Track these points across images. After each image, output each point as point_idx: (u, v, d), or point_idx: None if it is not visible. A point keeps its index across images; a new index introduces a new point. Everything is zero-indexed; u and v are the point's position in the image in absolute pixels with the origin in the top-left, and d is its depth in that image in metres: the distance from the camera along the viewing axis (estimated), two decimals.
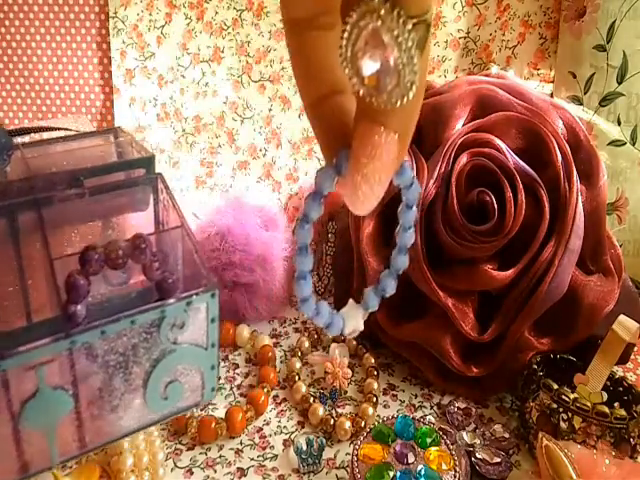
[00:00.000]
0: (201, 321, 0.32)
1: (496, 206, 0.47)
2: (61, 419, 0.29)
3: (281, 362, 0.56)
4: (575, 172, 0.48)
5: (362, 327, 0.26)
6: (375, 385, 0.50)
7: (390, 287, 0.27)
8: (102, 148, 0.42)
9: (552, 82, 0.70)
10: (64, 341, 0.27)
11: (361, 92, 0.18)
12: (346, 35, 0.17)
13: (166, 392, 0.32)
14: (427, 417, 0.49)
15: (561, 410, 0.43)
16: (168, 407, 0.33)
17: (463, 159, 0.49)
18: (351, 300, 0.26)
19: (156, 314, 0.30)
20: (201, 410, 0.48)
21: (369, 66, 0.17)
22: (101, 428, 0.32)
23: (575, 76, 0.66)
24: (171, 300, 0.30)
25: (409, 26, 0.17)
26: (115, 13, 0.69)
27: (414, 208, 0.25)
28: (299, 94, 0.21)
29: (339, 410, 0.49)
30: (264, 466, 0.43)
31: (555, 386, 0.43)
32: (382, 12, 0.17)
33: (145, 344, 0.30)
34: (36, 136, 0.48)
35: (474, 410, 0.47)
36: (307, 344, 0.56)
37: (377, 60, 0.17)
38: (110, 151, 0.42)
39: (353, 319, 0.26)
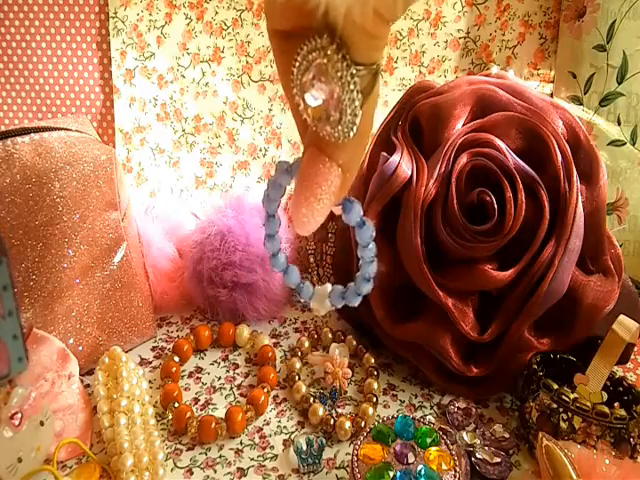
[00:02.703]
0: None
1: (496, 206, 0.47)
2: None
3: (281, 362, 0.56)
4: (575, 172, 0.48)
5: (325, 310, 0.27)
6: (375, 385, 0.50)
7: (365, 288, 0.27)
8: None
9: (552, 82, 0.70)
10: None
11: (308, 119, 0.19)
12: (297, 64, 0.18)
13: None
14: (427, 417, 0.49)
15: (561, 410, 0.43)
16: None
17: (463, 159, 0.49)
18: (328, 284, 0.26)
19: None
20: (201, 410, 0.48)
21: (313, 99, 0.18)
22: None
23: (575, 76, 0.66)
24: None
25: (353, 71, 0.18)
26: (115, 13, 0.69)
27: (371, 245, 0.25)
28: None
29: (339, 410, 0.49)
30: (264, 466, 0.43)
31: (555, 386, 0.43)
32: (329, 52, 0.18)
33: None
34: (36, 136, 0.48)
35: (474, 410, 0.47)
36: (307, 344, 0.56)
37: (322, 94, 0.18)
38: None
39: (320, 300, 0.26)
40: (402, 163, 0.50)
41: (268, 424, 0.48)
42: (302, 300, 0.52)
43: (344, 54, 0.18)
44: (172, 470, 0.43)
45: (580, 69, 0.65)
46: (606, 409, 0.41)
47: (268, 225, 0.25)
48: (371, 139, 0.56)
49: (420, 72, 0.68)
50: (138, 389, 0.47)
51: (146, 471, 0.41)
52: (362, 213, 0.23)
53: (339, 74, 0.18)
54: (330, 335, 0.57)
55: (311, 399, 0.49)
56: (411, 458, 0.38)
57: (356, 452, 0.38)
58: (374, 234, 0.24)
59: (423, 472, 0.37)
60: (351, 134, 0.19)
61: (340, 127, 0.19)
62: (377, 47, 0.19)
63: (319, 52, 0.18)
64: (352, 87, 0.18)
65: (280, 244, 0.26)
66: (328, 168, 0.20)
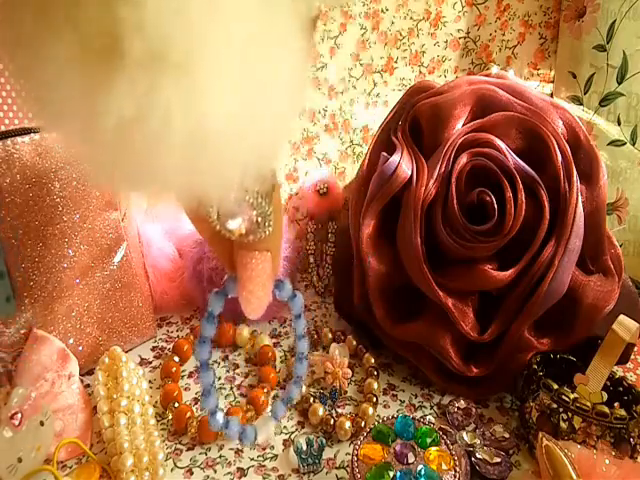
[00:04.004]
0: None
1: (496, 206, 0.47)
2: None
3: (281, 362, 0.55)
4: (575, 172, 0.48)
5: (274, 437, 0.34)
6: (375, 385, 0.50)
7: (295, 394, 0.32)
8: None
9: (552, 82, 0.70)
10: None
11: (232, 237, 0.22)
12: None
13: None
14: (427, 417, 0.49)
15: (561, 410, 0.43)
16: None
17: (463, 159, 0.49)
18: (265, 413, 0.31)
19: None
20: (201, 410, 0.48)
21: (234, 224, 0.22)
22: None
23: (575, 76, 0.66)
24: None
25: (256, 189, 0.21)
26: None
27: (302, 316, 0.30)
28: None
29: (339, 410, 0.49)
30: (264, 466, 0.43)
31: (555, 386, 0.43)
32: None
33: None
34: (36, 136, 0.48)
35: (474, 410, 0.47)
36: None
37: (239, 219, 0.22)
38: None
39: (265, 429, 0.30)
40: (402, 163, 0.50)
41: None
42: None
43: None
44: (172, 470, 0.43)
45: (580, 69, 0.65)
46: (606, 409, 0.41)
47: (204, 376, 0.28)
48: (371, 139, 0.56)
49: (420, 72, 0.68)
50: (138, 389, 0.47)
51: (146, 471, 0.41)
52: (291, 288, 0.28)
53: (251, 201, 0.22)
54: (330, 335, 0.57)
55: (311, 399, 0.49)
56: (411, 458, 0.38)
57: (356, 452, 0.38)
58: (304, 304, 0.29)
59: (423, 472, 0.37)
60: (271, 228, 0.23)
61: (260, 229, 0.23)
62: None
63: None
64: (260, 199, 0.22)
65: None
66: (260, 258, 0.24)
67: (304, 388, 0.50)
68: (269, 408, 0.45)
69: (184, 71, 0.14)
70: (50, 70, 0.14)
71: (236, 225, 0.22)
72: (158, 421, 0.47)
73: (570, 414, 0.42)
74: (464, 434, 0.45)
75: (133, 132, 0.14)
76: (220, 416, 0.28)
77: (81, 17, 0.13)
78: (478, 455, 0.43)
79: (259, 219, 0.22)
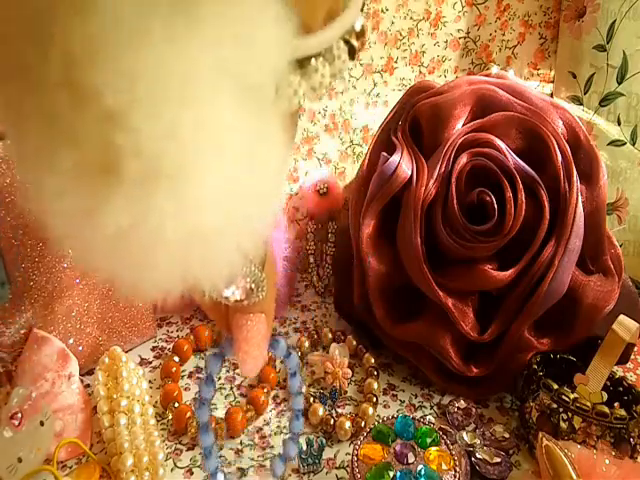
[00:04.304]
0: None
1: (496, 206, 0.47)
2: None
3: (281, 362, 0.55)
4: (575, 172, 0.48)
5: None
6: (375, 385, 0.50)
7: (292, 452, 0.34)
8: None
9: (552, 82, 0.70)
10: None
11: (228, 303, 0.24)
12: None
13: None
14: (427, 417, 0.49)
15: (561, 410, 0.43)
16: None
17: (463, 159, 0.49)
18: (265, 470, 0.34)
19: None
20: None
21: (229, 292, 0.23)
22: None
23: (575, 76, 0.66)
24: None
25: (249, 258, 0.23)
26: None
27: (297, 374, 0.32)
28: None
29: (339, 410, 0.49)
30: (264, 466, 0.43)
31: (555, 386, 0.43)
32: None
33: None
34: None
35: (474, 410, 0.47)
36: (307, 344, 0.56)
37: (234, 287, 0.23)
38: None
39: None
40: (402, 163, 0.50)
41: (268, 424, 0.48)
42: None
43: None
44: (172, 470, 0.43)
45: (580, 69, 0.65)
46: (606, 409, 0.41)
47: (204, 439, 0.30)
48: (371, 139, 0.56)
49: (420, 72, 0.68)
50: (138, 389, 0.47)
51: (146, 471, 0.41)
52: (286, 347, 0.29)
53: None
54: (330, 335, 0.57)
55: (311, 399, 0.49)
56: (411, 458, 0.38)
57: (356, 452, 0.38)
58: (299, 363, 0.31)
59: (423, 472, 0.37)
60: (263, 293, 0.24)
61: (254, 294, 0.24)
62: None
63: None
64: (253, 268, 0.23)
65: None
66: (255, 320, 0.25)
67: (304, 389, 0.50)
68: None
69: (176, 183, 0.15)
70: (53, 184, 0.15)
71: (230, 293, 0.23)
72: (158, 421, 0.47)
73: (570, 414, 0.42)
74: (464, 434, 0.45)
75: (129, 237, 0.16)
76: (221, 477, 0.29)
77: (81, 141, 0.14)
78: (478, 455, 0.43)
79: (252, 286, 0.24)
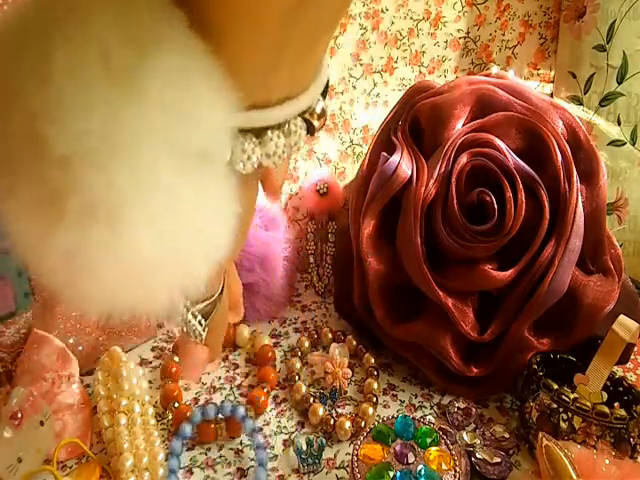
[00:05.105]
0: None
1: (496, 206, 0.47)
2: None
3: (281, 362, 0.55)
4: (575, 172, 0.48)
5: None
6: (375, 385, 0.50)
7: None
8: None
9: (552, 82, 0.70)
10: None
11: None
12: None
13: None
14: (427, 417, 0.49)
15: (561, 410, 0.43)
16: None
17: (463, 159, 0.49)
18: None
19: None
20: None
21: (169, 326, 0.28)
22: None
23: (575, 76, 0.66)
24: None
25: (194, 313, 0.29)
26: None
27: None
28: None
29: (339, 410, 0.49)
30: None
31: (555, 386, 0.43)
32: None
33: None
34: None
35: (474, 410, 0.47)
36: (307, 344, 0.56)
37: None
38: None
39: None
40: (402, 163, 0.50)
41: (268, 424, 0.48)
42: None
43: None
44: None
45: (580, 69, 0.65)
46: (606, 409, 0.41)
47: None
48: (371, 139, 0.56)
49: (420, 72, 0.68)
50: (138, 389, 0.47)
51: (146, 471, 0.41)
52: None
53: (181, 319, 0.29)
54: (330, 335, 0.57)
55: (311, 399, 0.49)
56: (411, 458, 0.38)
57: (356, 452, 0.38)
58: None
59: (423, 472, 0.37)
60: (201, 337, 0.30)
61: (192, 338, 0.31)
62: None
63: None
64: (190, 318, 0.29)
65: None
66: (199, 351, 0.32)
67: (304, 388, 0.50)
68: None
69: (111, 224, 0.17)
70: (13, 209, 0.18)
71: (171, 327, 0.28)
72: (158, 421, 0.47)
73: (570, 414, 0.42)
74: (464, 434, 0.45)
75: (74, 260, 0.18)
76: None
77: (35, 179, 0.17)
78: (478, 455, 0.43)
79: (189, 332, 0.29)
